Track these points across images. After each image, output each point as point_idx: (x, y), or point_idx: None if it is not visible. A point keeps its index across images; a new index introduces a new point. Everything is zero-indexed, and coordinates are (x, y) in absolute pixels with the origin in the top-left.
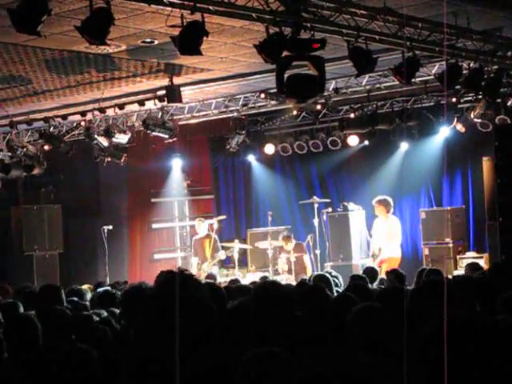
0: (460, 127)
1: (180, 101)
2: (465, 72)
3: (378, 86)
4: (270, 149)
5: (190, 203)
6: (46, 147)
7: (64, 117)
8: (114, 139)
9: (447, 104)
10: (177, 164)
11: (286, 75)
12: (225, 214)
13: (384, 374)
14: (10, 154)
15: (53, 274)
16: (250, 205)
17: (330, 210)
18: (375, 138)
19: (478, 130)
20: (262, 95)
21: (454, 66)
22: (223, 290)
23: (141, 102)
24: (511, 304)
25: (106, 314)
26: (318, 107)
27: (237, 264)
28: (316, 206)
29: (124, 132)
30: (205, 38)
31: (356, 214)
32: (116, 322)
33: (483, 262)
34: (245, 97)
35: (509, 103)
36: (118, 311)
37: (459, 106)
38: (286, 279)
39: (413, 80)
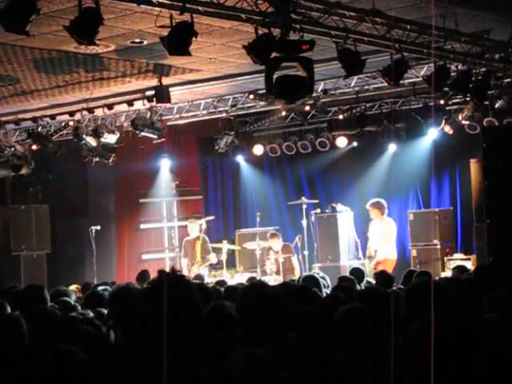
0: (448, 129)
1: (169, 101)
2: (453, 74)
3: (366, 87)
4: (258, 149)
5: (178, 204)
6: (34, 147)
7: (52, 117)
8: (102, 139)
9: (435, 106)
10: (165, 164)
11: (274, 76)
12: (213, 214)
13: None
14: None
15: (40, 274)
16: (239, 205)
17: (318, 211)
18: (363, 140)
19: (466, 132)
20: (251, 96)
21: (442, 68)
22: (212, 291)
23: (129, 103)
24: (499, 304)
25: (92, 314)
26: (307, 108)
27: (225, 265)
28: (304, 206)
29: (112, 132)
30: (194, 39)
31: (344, 215)
32: (103, 322)
33: (471, 264)
34: (233, 97)
35: (496, 105)
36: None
37: (447, 107)
38: (274, 280)
39: (401, 82)
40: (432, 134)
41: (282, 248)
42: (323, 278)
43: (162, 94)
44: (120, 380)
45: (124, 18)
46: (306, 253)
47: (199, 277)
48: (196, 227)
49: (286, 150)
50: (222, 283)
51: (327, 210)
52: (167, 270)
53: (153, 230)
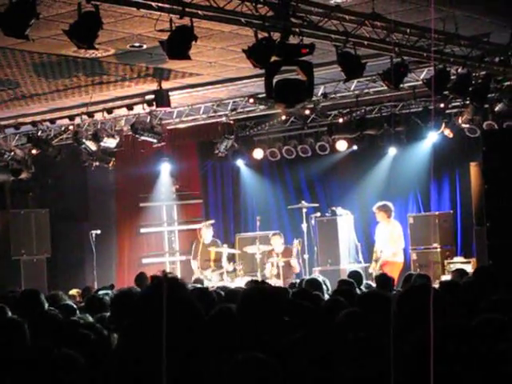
0: (448, 132)
1: (168, 105)
2: (453, 77)
3: (366, 91)
4: (258, 153)
5: (178, 208)
6: (34, 151)
7: (52, 121)
8: (102, 143)
9: (435, 109)
10: (165, 168)
11: (274, 80)
12: (213, 218)
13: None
14: None
15: (40, 278)
16: (239, 209)
17: (318, 214)
18: (363, 143)
19: (466, 136)
20: (251, 100)
21: (441, 72)
22: (214, 295)
23: (129, 107)
24: (496, 306)
25: (91, 319)
26: (307, 112)
27: (225, 268)
28: (304, 210)
29: (112, 136)
30: (193, 43)
31: (344, 218)
32: (104, 326)
33: (471, 267)
34: (233, 101)
35: (496, 108)
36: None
37: (447, 111)
38: (275, 284)
39: (401, 85)
40: (432, 138)
41: (283, 251)
42: (323, 282)
43: (161, 98)
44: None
45: (123, 22)
46: (306, 256)
47: (198, 280)
48: (210, 232)
49: (285, 153)
50: (222, 288)
51: (327, 214)
52: (161, 274)
53: (153, 234)
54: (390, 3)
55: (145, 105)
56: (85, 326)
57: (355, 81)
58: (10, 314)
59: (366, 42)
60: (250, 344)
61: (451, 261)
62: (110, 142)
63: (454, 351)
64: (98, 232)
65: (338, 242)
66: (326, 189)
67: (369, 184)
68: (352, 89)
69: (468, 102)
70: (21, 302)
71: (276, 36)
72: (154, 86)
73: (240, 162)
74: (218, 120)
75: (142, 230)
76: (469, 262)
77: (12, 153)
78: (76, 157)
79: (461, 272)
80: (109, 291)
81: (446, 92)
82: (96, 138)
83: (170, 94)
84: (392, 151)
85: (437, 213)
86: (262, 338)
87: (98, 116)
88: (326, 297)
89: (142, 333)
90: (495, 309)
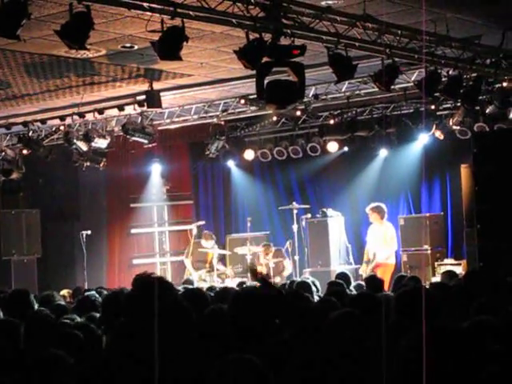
0: (439, 134)
1: (160, 106)
2: (444, 79)
3: (357, 92)
4: (249, 154)
5: (169, 208)
6: (25, 151)
7: (43, 121)
8: (93, 144)
9: (426, 111)
10: (156, 169)
11: (265, 81)
12: (204, 219)
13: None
14: None
15: (31, 278)
16: (230, 210)
17: (309, 216)
18: (354, 145)
19: (457, 137)
20: (242, 101)
21: (433, 74)
22: (207, 295)
23: (120, 107)
24: (485, 309)
25: (79, 319)
26: (298, 113)
27: (215, 269)
28: (295, 211)
29: (103, 137)
30: (185, 44)
31: (335, 220)
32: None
33: (461, 269)
34: (224, 102)
35: (487, 111)
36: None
37: (438, 113)
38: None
39: (392, 87)
40: (423, 139)
41: (274, 253)
42: (313, 283)
43: (152, 98)
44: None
45: (115, 22)
46: (296, 258)
47: (188, 281)
48: (214, 243)
49: (276, 154)
50: (211, 289)
51: (318, 215)
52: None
53: (144, 234)
54: (382, 5)
55: (136, 105)
56: (75, 326)
57: (346, 82)
58: (1, 314)
59: (357, 44)
60: (242, 344)
61: (441, 262)
62: (101, 143)
63: (445, 353)
64: (89, 232)
65: (328, 243)
66: (317, 190)
67: (360, 185)
68: (343, 90)
69: (459, 104)
70: (10, 303)
71: (267, 37)
72: (145, 87)
73: (231, 163)
74: (209, 121)
75: (133, 231)
76: (459, 264)
77: (3, 153)
78: (67, 157)
79: (451, 274)
80: (95, 292)
81: (437, 94)
82: (87, 138)
83: (161, 94)
84: (383, 153)
85: (427, 214)
86: (254, 339)
87: (89, 116)
88: (316, 298)
89: (133, 333)
90: (485, 311)
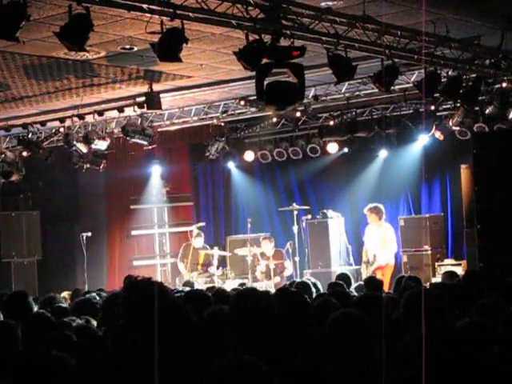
0: (438, 135)
1: (159, 107)
2: (443, 80)
3: (357, 93)
4: (249, 156)
5: (169, 210)
6: (25, 153)
7: (43, 123)
8: (93, 146)
9: (426, 112)
10: (156, 171)
11: (265, 82)
12: (204, 220)
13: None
14: None
15: (31, 280)
16: (230, 212)
17: (309, 217)
18: (354, 146)
19: (457, 138)
20: (242, 102)
21: (432, 74)
22: (209, 296)
23: (120, 109)
24: (486, 310)
25: (80, 321)
26: (298, 114)
27: (214, 273)
28: (295, 213)
29: (103, 138)
30: (184, 45)
31: (335, 221)
32: (96, 329)
33: (461, 270)
34: (224, 104)
35: (487, 111)
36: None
37: (438, 113)
38: (265, 286)
39: (392, 88)
40: (423, 140)
41: (274, 254)
42: (315, 284)
43: (152, 100)
44: None
45: (114, 24)
46: (297, 259)
47: (188, 283)
48: (201, 240)
49: (276, 156)
50: (212, 290)
51: (318, 216)
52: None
53: (144, 236)
54: (381, 6)
55: (136, 107)
56: (77, 328)
57: (346, 83)
58: (1, 316)
59: (356, 45)
60: (243, 345)
61: (442, 263)
62: (101, 144)
63: (443, 354)
64: (89, 234)
65: (329, 244)
66: (317, 191)
67: (360, 186)
68: (343, 91)
69: (459, 105)
70: (8, 305)
71: (267, 38)
72: (144, 88)
73: (231, 165)
74: (209, 122)
75: (133, 233)
76: (459, 265)
77: (2, 155)
78: (67, 159)
79: (451, 274)
80: (95, 294)
81: (437, 94)
82: (87, 140)
83: (160, 96)
84: (383, 154)
85: (427, 215)
86: (255, 340)
87: (89, 118)
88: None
89: (133, 335)
90: (484, 312)
